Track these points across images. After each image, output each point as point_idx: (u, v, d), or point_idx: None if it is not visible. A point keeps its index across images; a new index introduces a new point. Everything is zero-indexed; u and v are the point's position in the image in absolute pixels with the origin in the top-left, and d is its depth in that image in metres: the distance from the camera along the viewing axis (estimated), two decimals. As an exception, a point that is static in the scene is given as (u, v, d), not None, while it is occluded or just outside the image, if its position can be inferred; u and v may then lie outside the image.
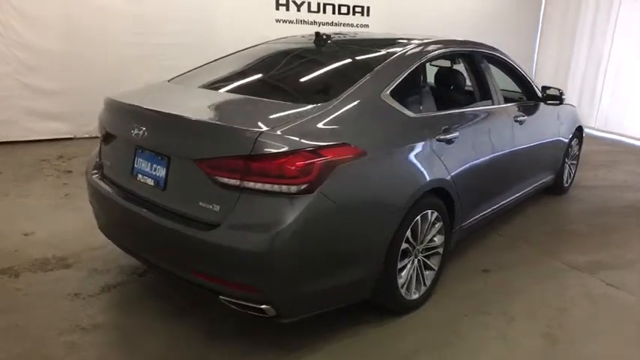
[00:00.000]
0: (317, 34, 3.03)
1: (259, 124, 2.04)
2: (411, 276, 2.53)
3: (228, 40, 6.67)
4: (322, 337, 2.36)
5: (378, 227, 2.25)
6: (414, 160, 2.44)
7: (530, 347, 2.42)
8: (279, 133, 1.98)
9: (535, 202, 4.41)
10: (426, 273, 2.65)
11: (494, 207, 3.38)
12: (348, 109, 2.24)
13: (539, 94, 3.93)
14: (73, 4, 5.73)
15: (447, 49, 3.06)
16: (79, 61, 5.85)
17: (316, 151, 2.00)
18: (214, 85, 2.75)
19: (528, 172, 3.87)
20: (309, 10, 7.25)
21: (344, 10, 7.48)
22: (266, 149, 1.93)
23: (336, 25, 7.45)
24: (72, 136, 6.05)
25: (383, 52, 2.78)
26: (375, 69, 2.50)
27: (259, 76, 2.96)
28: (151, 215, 2.23)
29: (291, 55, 3.06)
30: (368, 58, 2.81)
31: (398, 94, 2.50)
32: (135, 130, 2.28)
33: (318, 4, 7.29)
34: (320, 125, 2.11)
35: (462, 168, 2.78)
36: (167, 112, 2.31)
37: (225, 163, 1.99)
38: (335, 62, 2.87)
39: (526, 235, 3.75)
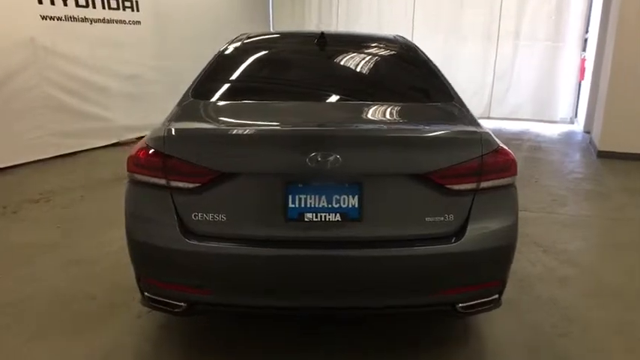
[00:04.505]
0: (322, 33, 2.88)
1: (465, 125, 2.05)
2: None
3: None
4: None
5: None
6: None
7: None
8: (484, 131, 2.06)
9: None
10: None
11: None
12: (462, 101, 2.44)
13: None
14: None
15: None
16: None
17: None
18: (306, 96, 2.44)
19: None
20: (77, 5, 5.95)
21: (114, 4, 6.46)
22: (491, 148, 2.00)
23: (108, 22, 6.38)
24: None
25: (392, 46, 3.00)
26: (430, 65, 2.71)
27: (340, 80, 2.72)
28: (354, 253, 1.91)
29: (318, 55, 2.81)
30: (399, 55, 2.95)
31: None
32: (318, 159, 1.84)
33: (86, -2, 6.07)
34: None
35: None
36: (376, 129, 2.09)
37: (459, 169, 1.94)
38: (389, 60, 2.94)
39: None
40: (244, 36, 3.12)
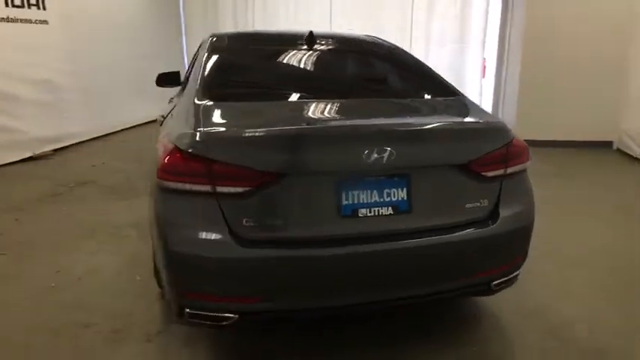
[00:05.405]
0: (311, 32, 2.87)
1: (486, 116, 2.20)
2: None
3: None
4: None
5: None
6: None
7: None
8: (503, 121, 2.23)
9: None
10: None
11: None
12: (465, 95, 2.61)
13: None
14: None
15: None
16: None
17: None
18: (325, 94, 2.43)
19: None
20: (-23, 2, 5.20)
21: (17, 1, 5.73)
22: (513, 136, 2.17)
23: (11, 20, 5.65)
24: None
25: (384, 46, 3.09)
26: (423, 64, 2.85)
27: (347, 79, 2.74)
28: (407, 244, 1.96)
29: (318, 55, 2.80)
30: (395, 54, 3.06)
31: None
32: (374, 154, 1.86)
33: (-14, -6, 5.32)
34: None
35: None
36: (422, 124, 2.14)
37: (491, 157, 2.08)
38: (390, 59, 3.02)
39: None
40: (224, 35, 3.00)
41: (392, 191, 1.97)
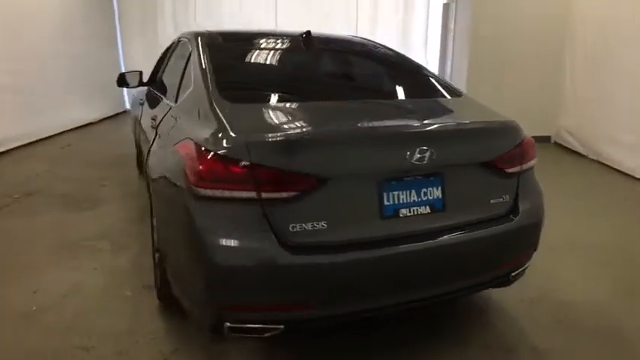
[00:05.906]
0: (308, 32, 2.81)
1: (497, 116, 2.30)
2: None
3: None
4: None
5: None
6: None
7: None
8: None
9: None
10: None
11: None
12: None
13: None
14: None
15: None
16: None
17: None
18: (333, 97, 2.39)
19: None
20: None
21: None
22: (524, 134, 2.28)
23: None
24: None
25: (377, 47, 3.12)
26: (423, 66, 2.91)
27: (351, 80, 2.72)
28: (444, 242, 1.99)
29: (327, 56, 2.76)
30: (395, 56, 3.08)
31: None
32: (416, 155, 1.87)
33: None
34: None
35: None
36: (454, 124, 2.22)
37: (512, 154, 2.17)
38: (393, 60, 3.02)
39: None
40: (214, 34, 2.86)
41: (429, 190, 1.99)
